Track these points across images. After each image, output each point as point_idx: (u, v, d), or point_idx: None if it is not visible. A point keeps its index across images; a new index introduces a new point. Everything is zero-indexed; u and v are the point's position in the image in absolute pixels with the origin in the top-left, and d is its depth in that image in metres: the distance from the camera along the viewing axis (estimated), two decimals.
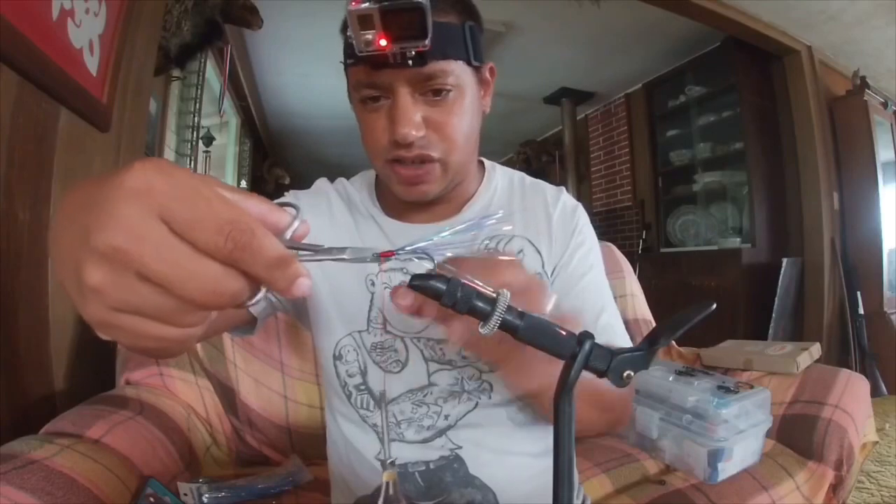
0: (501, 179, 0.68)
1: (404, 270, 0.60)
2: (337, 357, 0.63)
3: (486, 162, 0.70)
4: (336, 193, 0.68)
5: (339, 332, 0.63)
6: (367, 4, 0.43)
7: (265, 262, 0.21)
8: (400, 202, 0.62)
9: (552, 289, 0.62)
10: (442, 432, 0.61)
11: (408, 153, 0.54)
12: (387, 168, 0.57)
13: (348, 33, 0.48)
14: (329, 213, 0.66)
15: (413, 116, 0.52)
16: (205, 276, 0.21)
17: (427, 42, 0.46)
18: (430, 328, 0.60)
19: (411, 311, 0.31)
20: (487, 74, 0.60)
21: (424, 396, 0.61)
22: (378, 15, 0.44)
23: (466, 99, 0.55)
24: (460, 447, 0.60)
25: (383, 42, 0.46)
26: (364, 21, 0.45)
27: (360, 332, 0.62)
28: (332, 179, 0.72)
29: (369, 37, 0.46)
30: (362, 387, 0.62)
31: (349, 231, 0.65)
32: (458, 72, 0.53)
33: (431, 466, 0.60)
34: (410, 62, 0.49)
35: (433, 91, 0.53)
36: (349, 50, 0.52)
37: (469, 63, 0.54)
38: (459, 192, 0.64)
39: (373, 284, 0.62)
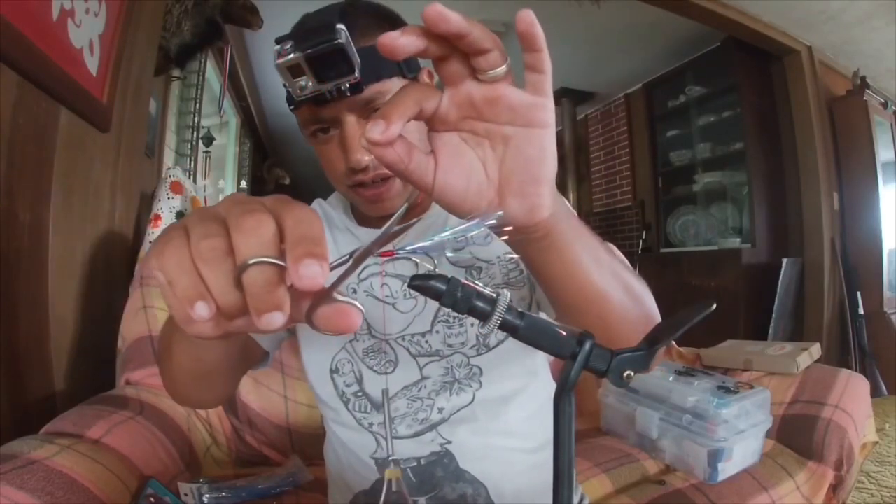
0: None
1: (383, 273, 0.62)
2: (334, 371, 0.65)
3: None
4: None
5: (334, 347, 0.64)
6: (292, 55, 0.46)
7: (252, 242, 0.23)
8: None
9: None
10: (434, 426, 0.62)
11: (365, 176, 0.56)
12: (350, 192, 0.59)
13: (284, 83, 0.51)
14: None
15: (362, 142, 0.53)
16: (216, 232, 0.24)
17: (356, 74, 0.49)
18: (411, 326, 0.62)
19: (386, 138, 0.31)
20: (426, 79, 0.61)
21: (419, 391, 0.62)
22: (304, 62, 0.47)
23: None
24: (450, 442, 0.61)
25: (316, 85, 0.49)
26: (294, 70, 0.48)
27: (350, 341, 0.64)
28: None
29: (302, 83, 0.49)
30: (359, 393, 0.64)
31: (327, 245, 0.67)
32: (395, 88, 0.54)
33: (422, 462, 0.61)
34: (348, 93, 0.51)
35: (376, 111, 0.54)
36: (290, 96, 0.55)
37: (404, 76, 0.56)
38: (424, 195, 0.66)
39: (354, 293, 0.63)
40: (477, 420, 0.62)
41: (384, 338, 0.63)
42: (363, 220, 0.67)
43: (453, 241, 0.61)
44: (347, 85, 0.51)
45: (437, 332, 0.62)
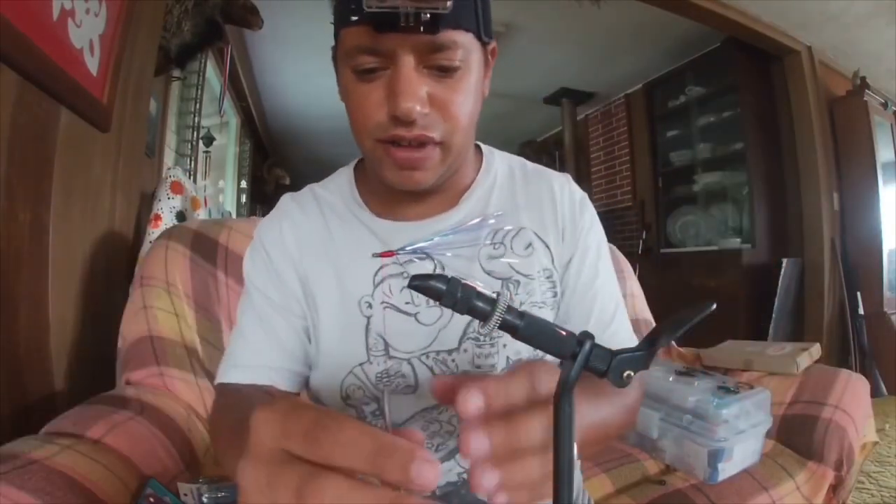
0: (501, 166, 0.63)
1: (404, 275, 0.54)
2: (345, 398, 0.58)
3: (484, 146, 0.65)
4: (299, 209, 0.61)
5: (341, 373, 0.57)
6: None
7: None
8: (389, 198, 0.56)
9: (560, 288, 0.60)
10: (452, 454, 0.57)
11: (407, 132, 0.47)
12: (378, 149, 0.50)
13: None
14: (296, 234, 0.59)
15: (418, 90, 0.46)
16: None
17: (449, 3, 0.42)
18: (437, 342, 0.55)
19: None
20: (489, 55, 0.55)
21: (439, 414, 0.56)
22: None
23: (472, 77, 0.50)
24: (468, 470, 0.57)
25: None
26: None
27: (360, 364, 0.56)
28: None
29: None
30: (377, 412, 0.57)
31: (323, 242, 0.58)
32: (467, 45, 0.48)
33: (437, 493, 0.56)
34: (422, 27, 0.43)
35: (439, 67, 0.47)
36: (351, 5, 0.45)
37: (479, 37, 0.49)
38: (456, 182, 0.58)
39: (369, 307, 0.55)
40: None
41: (404, 356, 0.55)
42: (377, 206, 0.58)
43: (490, 248, 0.57)
44: (427, 15, 0.43)
45: (466, 350, 0.55)
